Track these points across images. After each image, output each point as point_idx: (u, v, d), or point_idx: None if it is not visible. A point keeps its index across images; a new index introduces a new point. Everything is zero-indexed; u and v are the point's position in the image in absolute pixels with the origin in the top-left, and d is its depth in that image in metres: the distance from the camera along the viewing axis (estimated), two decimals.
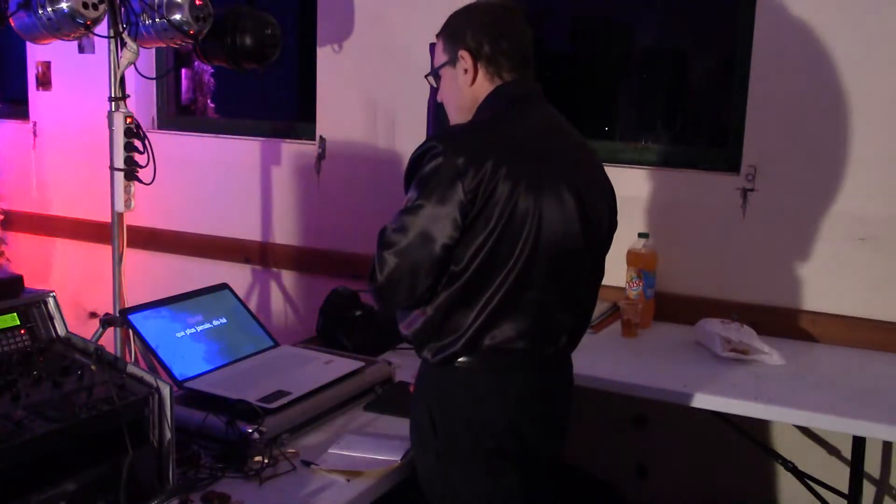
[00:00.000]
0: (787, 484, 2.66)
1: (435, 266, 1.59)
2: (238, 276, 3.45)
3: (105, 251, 2.67)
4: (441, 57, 1.78)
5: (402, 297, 1.63)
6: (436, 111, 1.89)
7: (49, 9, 2.28)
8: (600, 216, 1.78)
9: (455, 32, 1.75)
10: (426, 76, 1.86)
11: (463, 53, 1.72)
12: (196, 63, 3.76)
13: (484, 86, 1.73)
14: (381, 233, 1.63)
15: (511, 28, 1.73)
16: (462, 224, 1.57)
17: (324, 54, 3.27)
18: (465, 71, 1.73)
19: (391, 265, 1.59)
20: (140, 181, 2.46)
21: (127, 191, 2.46)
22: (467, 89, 1.74)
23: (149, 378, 1.55)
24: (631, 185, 2.75)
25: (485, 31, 1.71)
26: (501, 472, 1.68)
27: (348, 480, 1.70)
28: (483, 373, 1.67)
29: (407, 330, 1.70)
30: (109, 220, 2.54)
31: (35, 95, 3.99)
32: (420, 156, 1.62)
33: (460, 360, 1.66)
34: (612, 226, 1.85)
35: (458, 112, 1.79)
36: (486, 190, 1.56)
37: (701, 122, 3.17)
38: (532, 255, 1.62)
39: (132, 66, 2.46)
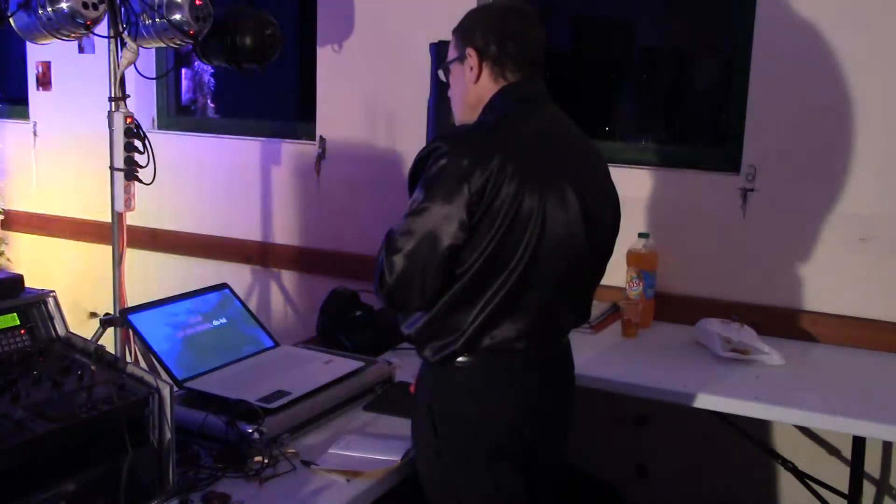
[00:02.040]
0: (787, 484, 2.66)
1: (443, 267, 1.59)
2: (238, 276, 3.45)
3: (105, 251, 2.67)
4: (452, 52, 1.81)
5: (414, 300, 1.63)
6: (436, 111, 1.90)
7: (49, 9, 2.28)
8: (604, 218, 1.78)
9: (467, 30, 1.77)
10: (437, 69, 1.87)
11: (470, 51, 1.74)
12: (196, 63, 3.76)
13: (488, 85, 1.74)
14: (387, 236, 1.62)
15: (521, 31, 1.75)
16: (469, 224, 1.57)
17: (324, 54, 3.27)
18: (471, 69, 1.75)
19: (399, 268, 1.58)
20: (140, 181, 2.46)
21: (127, 191, 2.46)
22: (472, 87, 1.76)
23: (149, 378, 1.55)
24: (631, 185, 2.75)
25: (494, 32, 1.73)
26: (502, 472, 1.68)
27: (348, 480, 1.70)
28: (483, 372, 1.67)
29: (408, 329, 1.71)
30: (109, 220, 2.54)
31: (35, 95, 3.99)
32: (425, 157, 1.62)
33: (460, 359, 1.66)
34: (616, 228, 1.85)
35: (463, 108, 1.81)
36: (492, 189, 1.56)
37: (701, 122, 3.17)
38: (534, 255, 1.61)
39: (132, 66, 2.46)
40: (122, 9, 2.44)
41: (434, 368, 1.70)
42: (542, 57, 1.77)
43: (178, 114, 3.88)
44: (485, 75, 1.74)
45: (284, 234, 3.47)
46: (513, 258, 1.60)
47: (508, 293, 1.61)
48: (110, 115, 2.44)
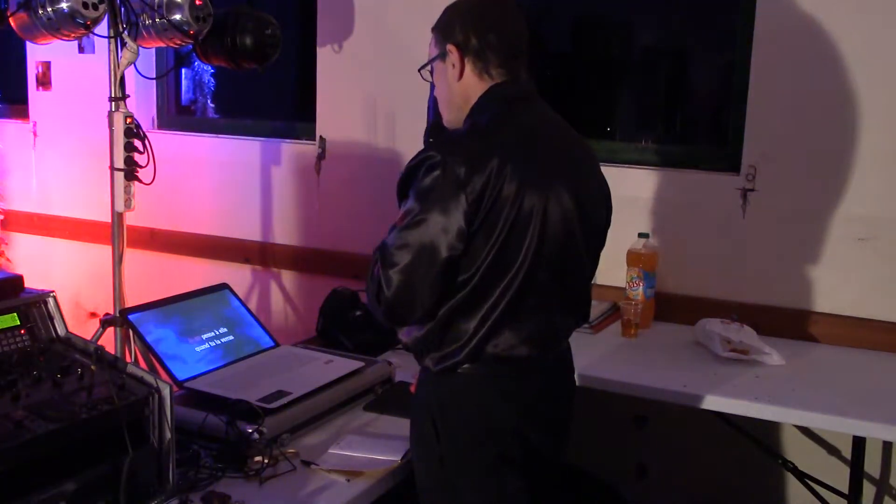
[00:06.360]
0: (787, 484, 2.66)
1: (442, 278, 1.56)
2: (238, 276, 3.45)
3: (105, 251, 2.67)
4: (433, 51, 1.77)
5: (414, 312, 1.60)
6: (435, 111, 1.89)
7: (49, 9, 2.28)
8: (598, 215, 1.78)
9: (445, 27, 1.74)
10: (419, 70, 1.84)
11: (450, 48, 1.71)
12: (196, 63, 3.76)
13: (473, 82, 1.71)
14: (381, 250, 1.59)
15: (500, 21, 1.71)
16: (467, 232, 1.54)
17: (324, 54, 3.27)
18: (453, 66, 1.71)
19: (397, 282, 1.55)
20: (140, 181, 2.46)
21: (127, 191, 2.46)
22: (456, 84, 1.72)
23: (149, 378, 1.55)
24: (631, 185, 2.75)
25: (473, 24, 1.69)
26: (507, 477, 1.67)
27: (348, 480, 1.70)
28: (486, 379, 1.65)
29: (407, 338, 1.69)
30: (109, 220, 2.54)
31: (35, 95, 3.98)
32: (416, 166, 1.58)
33: (463, 367, 1.65)
34: (608, 224, 1.85)
35: (449, 107, 1.77)
36: (492, 192, 1.54)
37: (701, 122, 3.17)
38: (536, 258, 1.60)
39: (132, 66, 2.46)
40: (122, 9, 2.44)
41: (435, 377, 1.68)
42: (525, 47, 1.74)
43: (178, 114, 3.88)
44: (468, 72, 1.70)
45: (284, 234, 3.47)
46: (514, 263, 1.59)
47: (510, 300, 1.60)
48: (110, 115, 2.44)
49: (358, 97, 3.22)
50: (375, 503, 1.72)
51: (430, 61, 1.78)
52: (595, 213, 1.75)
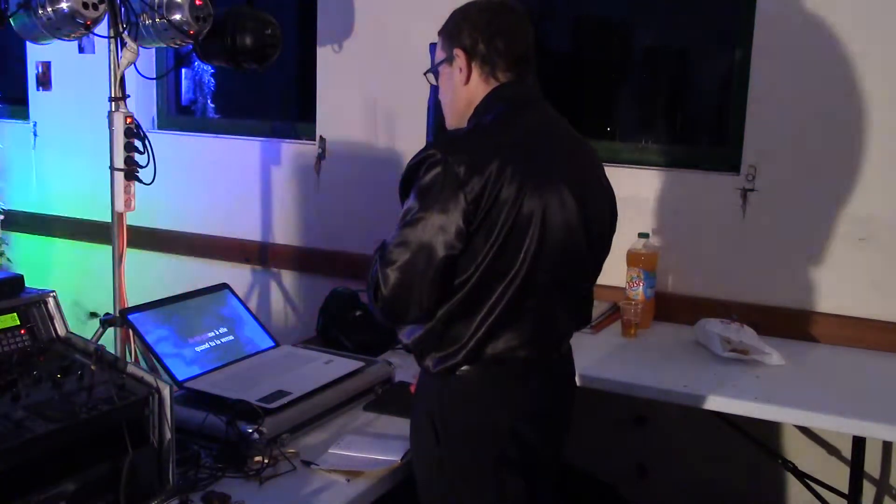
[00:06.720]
0: (787, 484, 2.66)
1: (440, 278, 1.56)
2: (238, 276, 3.45)
3: (105, 251, 2.67)
4: (440, 54, 1.77)
5: (411, 312, 1.59)
6: (436, 111, 1.89)
7: (49, 9, 2.28)
8: (601, 218, 1.77)
9: (453, 30, 1.73)
10: (425, 73, 1.84)
11: (458, 52, 1.70)
12: (196, 63, 3.76)
13: (479, 86, 1.71)
14: (381, 248, 1.59)
15: (508, 27, 1.70)
16: (466, 232, 1.54)
17: (324, 54, 3.27)
18: (460, 70, 1.71)
19: (394, 280, 1.55)
20: (140, 181, 2.46)
21: (127, 191, 2.46)
22: (462, 89, 1.72)
23: (149, 378, 1.55)
24: (631, 185, 2.75)
25: (481, 29, 1.69)
26: (506, 479, 1.67)
27: (348, 480, 1.70)
28: (486, 381, 1.65)
29: (407, 339, 1.68)
30: (109, 220, 2.54)
31: (35, 95, 3.99)
32: (417, 164, 1.58)
33: (462, 369, 1.64)
34: (612, 228, 1.84)
35: (453, 112, 1.77)
36: (491, 193, 1.53)
37: (701, 122, 3.17)
38: (535, 260, 1.59)
39: (132, 66, 2.46)
40: (122, 9, 2.44)
41: (435, 378, 1.67)
42: (532, 53, 1.73)
43: (178, 114, 3.88)
44: (475, 76, 1.70)
45: (284, 234, 3.47)
46: (514, 265, 1.58)
47: (509, 302, 1.59)
48: (110, 115, 2.44)
49: (358, 97, 3.22)
50: (375, 503, 1.72)
51: (437, 65, 1.78)
52: (598, 216, 1.74)
